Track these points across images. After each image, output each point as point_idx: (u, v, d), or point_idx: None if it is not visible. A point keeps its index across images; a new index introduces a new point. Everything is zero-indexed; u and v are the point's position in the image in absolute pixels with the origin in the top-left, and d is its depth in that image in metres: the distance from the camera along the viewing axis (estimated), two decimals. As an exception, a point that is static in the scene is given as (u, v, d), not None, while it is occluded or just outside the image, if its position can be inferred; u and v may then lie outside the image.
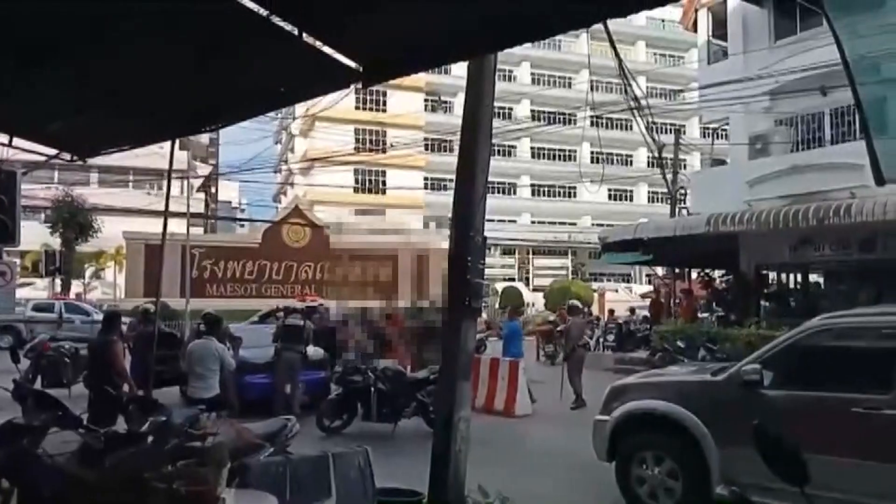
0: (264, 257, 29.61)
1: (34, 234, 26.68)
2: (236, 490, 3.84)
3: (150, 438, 3.80)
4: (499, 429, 9.60)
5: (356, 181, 49.03)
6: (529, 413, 10.98)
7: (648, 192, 53.68)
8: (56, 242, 30.38)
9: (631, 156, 53.50)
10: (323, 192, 42.06)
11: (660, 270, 24.28)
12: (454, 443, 5.48)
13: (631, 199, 55.18)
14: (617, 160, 51.97)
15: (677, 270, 21.05)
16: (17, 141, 8.28)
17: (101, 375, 7.03)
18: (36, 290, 30.57)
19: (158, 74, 5.80)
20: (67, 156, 9.03)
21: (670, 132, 23.75)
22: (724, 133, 21.39)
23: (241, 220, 45.93)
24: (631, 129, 44.66)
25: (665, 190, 23.94)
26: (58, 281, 29.96)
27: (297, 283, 29.46)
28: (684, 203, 22.72)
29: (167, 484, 2.82)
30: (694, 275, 20.11)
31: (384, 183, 49.78)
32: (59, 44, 5.05)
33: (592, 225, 48.73)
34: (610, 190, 52.41)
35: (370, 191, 49.84)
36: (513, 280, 44.84)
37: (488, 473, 5.70)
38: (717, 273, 18.20)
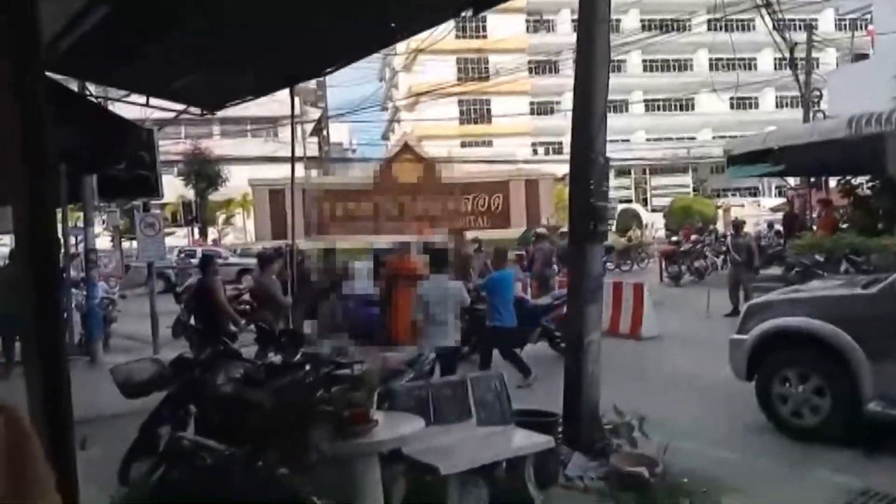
0: (379, 196, 30.38)
1: (170, 187, 28.76)
2: (385, 412, 4.11)
3: (304, 368, 4.11)
4: (627, 351, 9.53)
5: (461, 112, 48.69)
6: (656, 335, 10.80)
7: (776, 98, 49.57)
8: (190, 193, 32.68)
9: (755, 59, 49.31)
10: (429, 126, 42.17)
11: (792, 181, 22.59)
12: (586, 365, 5.51)
13: (756, 107, 51.20)
14: (739, 65, 48.12)
15: (813, 180, 19.50)
16: (152, 101, 8.89)
17: (204, 314, 7.52)
18: (177, 238, 33.25)
19: (274, 25, 5.98)
20: (196, 110, 9.62)
21: (800, 28, 21.58)
22: (864, 23, 19.16)
23: (354, 160, 47.21)
24: (754, 29, 41.11)
25: (796, 93, 21.99)
26: (195, 229, 32.37)
27: (412, 218, 30.12)
28: (818, 106, 20.80)
29: (328, 407, 3.06)
30: (832, 183, 18.57)
31: (489, 112, 49.12)
32: (181, 6, 5.29)
33: (713, 138, 45.84)
34: (732, 98, 48.81)
35: (476, 121, 49.40)
36: (629, 201, 43.45)
37: (621, 394, 5.72)
38: (859, 179, 16.68)
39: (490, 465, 4.39)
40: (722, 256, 17.63)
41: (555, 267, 13.40)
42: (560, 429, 5.26)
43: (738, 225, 14.19)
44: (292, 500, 2.76)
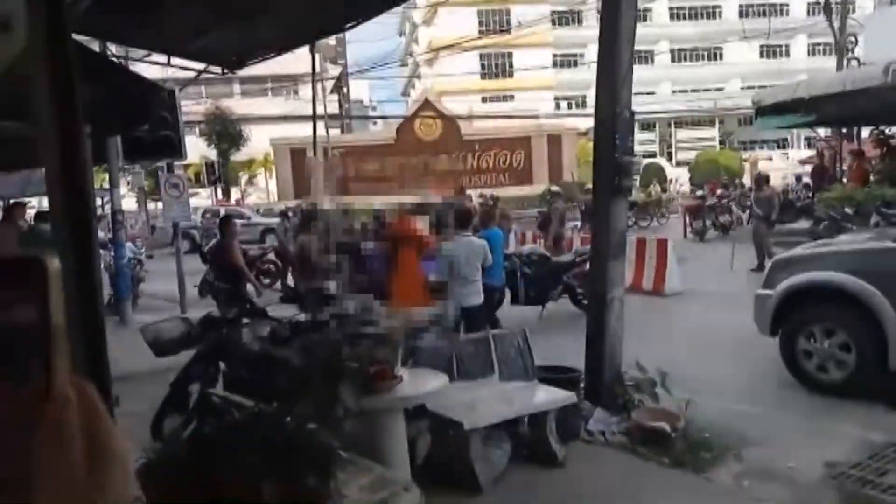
0: (400, 153, 30.24)
1: (193, 148, 28.89)
2: (410, 369, 4.17)
3: (330, 325, 4.18)
4: (650, 307, 9.52)
5: (482, 67, 47.87)
6: (680, 291, 10.74)
7: (808, 45, 47.91)
8: (212, 154, 32.82)
9: (786, 4, 47.57)
10: (450, 81, 41.60)
11: (822, 132, 21.99)
12: (609, 321, 5.52)
13: (787, 55, 49.57)
14: (769, 11, 46.42)
15: (844, 130, 18.96)
16: (173, 61, 8.84)
17: (222, 274, 7.66)
18: (201, 199, 33.54)
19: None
20: (217, 69, 9.57)
21: (836, -29, 20.68)
22: (904, -36, 18.30)
23: (374, 117, 46.88)
24: (786, -28, 39.55)
25: (829, 40, 21.21)
26: (219, 189, 32.60)
27: (433, 175, 29.98)
28: (853, 53, 20.06)
29: (354, 363, 3.12)
30: (865, 133, 18.03)
31: (511, 65, 48.22)
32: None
33: (742, 89, 44.59)
34: (762, 47, 47.25)
35: (497, 75, 48.57)
36: (654, 156, 42.73)
37: (643, 350, 5.73)
38: (893, 129, 16.17)
39: (513, 420, 4.47)
40: (748, 211, 17.34)
41: (571, 224, 13.37)
42: (582, 385, 5.31)
43: (760, 179, 13.92)
44: (320, 453, 2.83)
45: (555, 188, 17.68)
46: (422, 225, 7.67)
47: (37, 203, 16.18)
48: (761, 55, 48.01)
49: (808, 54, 47.78)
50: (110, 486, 0.39)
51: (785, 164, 32.63)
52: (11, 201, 12.08)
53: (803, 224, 15.51)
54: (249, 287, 7.63)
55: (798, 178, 22.61)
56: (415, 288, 6.53)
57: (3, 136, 9.05)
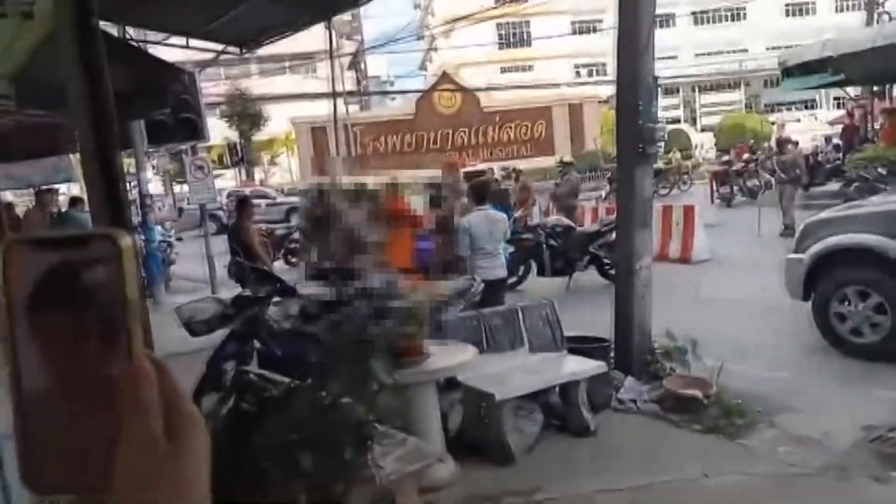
0: (420, 127, 30.11)
1: (215, 129, 29.05)
2: (440, 342, 4.21)
3: (358, 301, 4.21)
4: (677, 275, 9.44)
5: (499, 37, 47.22)
6: (707, 259, 10.63)
7: (835, 2, 46.41)
8: (234, 135, 32.98)
9: (811, -40, 46.10)
10: (467, 53, 41.12)
11: (852, 91, 21.39)
12: (636, 290, 5.49)
13: (813, 13, 48.10)
14: (794, -32, 45.09)
15: (875, 89, 18.41)
16: (191, 42, 8.87)
17: (239, 255, 7.63)
18: (225, 180, 33.80)
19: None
20: (235, 49, 9.57)
21: (865, -79, 19.90)
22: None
23: (392, 92, 46.62)
24: (812, -74, 38.19)
25: (858, -5, 20.51)
26: (242, 170, 32.82)
27: (453, 149, 29.84)
28: (883, 7, 19.39)
29: (383, 339, 3.15)
30: (896, 91, 17.52)
31: (528, 34, 47.49)
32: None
33: (767, 49, 43.43)
34: (787, 5, 45.94)
35: (515, 45, 47.89)
36: (678, 122, 42.00)
37: (673, 318, 5.70)
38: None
39: (543, 390, 4.49)
40: (774, 175, 17.02)
41: (595, 194, 13.23)
42: (612, 354, 5.31)
43: (782, 141, 13.65)
44: (356, 426, 2.88)
45: (567, 159, 17.51)
46: (414, 204, 7.48)
47: (66, 189, 16.46)
48: (786, 14, 46.68)
49: (836, 11, 46.30)
50: (189, 452, 0.41)
51: (814, 125, 31.86)
52: (41, 188, 12.30)
53: (833, 186, 15.20)
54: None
55: (827, 139, 22.09)
56: (407, 266, 6.42)
57: (31, 125, 9.21)
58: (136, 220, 11.78)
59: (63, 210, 11.84)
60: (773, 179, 17.28)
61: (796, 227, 11.13)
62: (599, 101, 32.09)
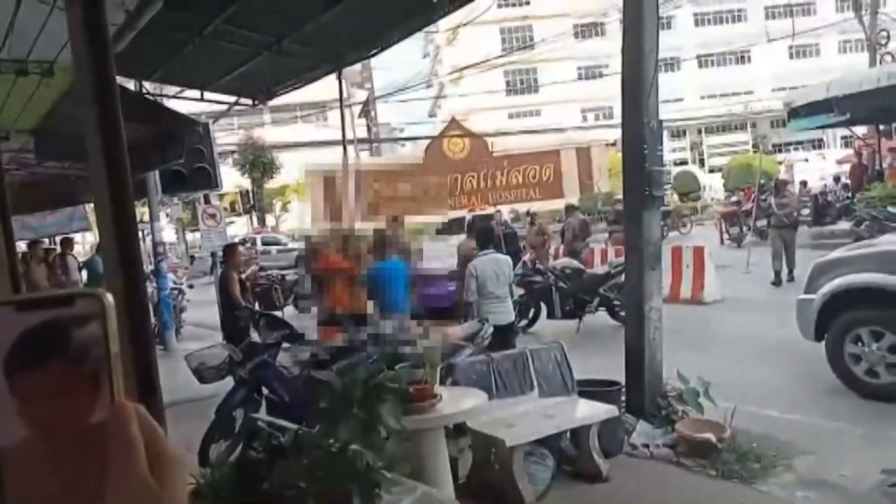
0: (429, 173, 30.41)
1: (227, 177, 29.52)
2: (449, 387, 4.19)
3: (368, 347, 4.22)
4: (689, 316, 9.37)
5: (507, 83, 48.06)
6: (719, 299, 10.57)
7: (839, 43, 47.01)
8: (246, 182, 33.47)
9: (813, 2, 46.86)
10: (475, 100, 41.82)
11: (859, 131, 21.51)
12: (647, 332, 5.46)
13: (817, 55, 48.72)
14: (796, 11, 45.76)
15: (882, 127, 18.51)
16: (206, 95, 9.12)
17: (223, 303, 7.24)
18: (237, 227, 34.18)
19: (318, 12, 6.05)
20: (248, 101, 9.82)
21: (863, -34, 20.31)
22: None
23: (402, 139, 47.31)
24: (812, -29, 38.99)
25: (861, 36, 20.81)
26: (254, 217, 33.21)
27: (462, 193, 30.05)
28: (886, 48, 19.63)
29: (394, 383, 3.15)
30: (903, 130, 17.58)
31: (535, 81, 48.30)
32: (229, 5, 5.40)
33: (773, 90, 43.88)
34: (791, 48, 46.50)
35: (522, 92, 48.70)
36: (685, 163, 42.23)
37: (684, 360, 5.65)
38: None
39: (555, 435, 4.44)
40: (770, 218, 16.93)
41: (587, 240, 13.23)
42: (623, 398, 5.26)
43: (780, 184, 13.07)
44: (364, 473, 2.86)
45: (573, 202, 17.62)
46: (340, 256, 7.34)
47: (81, 238, 16.70)
48: (791, 56, 47.27)
49: (840, 52, 46.88)
50: (174, 493, 0.43)
51: (822, 164, 31.93)
52: (60, 237, 12.52)
53: (843, 225, 15.16)
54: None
55: (836, 178, 22.11)
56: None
57: (46, 176, 9.41)
58: (149, 268, 11.94)
59: (89, 258, 12.04)
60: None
61: (790, 271, 10.93)
62: (607, 144, 32.39)
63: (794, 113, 16.21)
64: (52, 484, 0.42)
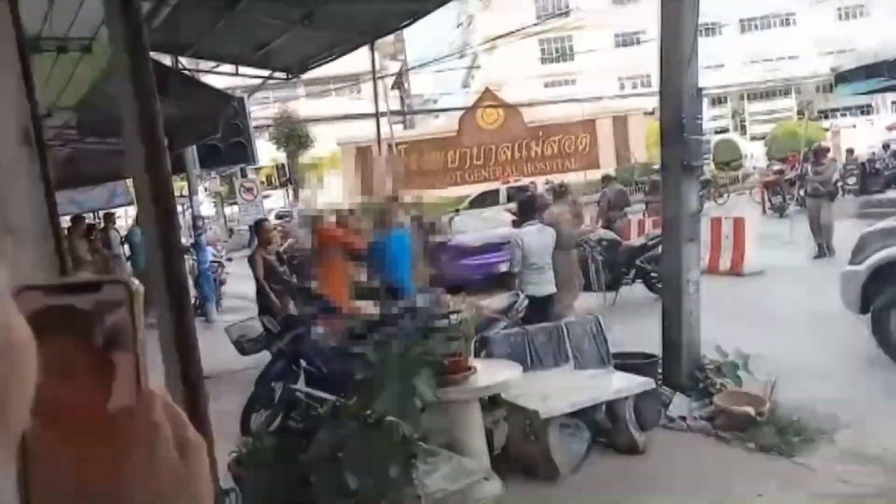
0: (463, 144, 30.25)
1: (263, 151, 29.80)
2: (484, 360, 4.21)
3: (403, 320, 4.26)
4: (728, 288, 9.21)
5: (542, 52, 47.24)
6: (759, 271, 10.34)
7: (889, 4, 44.88)
8: (282, 156, 33.76)
9: (861, -37, 44.78)
10: (510, 69, 41.26)
11: (911, 95, 20.62)
12: (685, 304, 5.39)
13: (866, 16, 46.62)
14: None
15: (935, 91, 17.70)
16: (241, 70, 9.19)
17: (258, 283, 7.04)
18: (274, 200, 34.57)
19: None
20: (282, 74, 9.86)
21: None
22: None
23: (435, 110, 47.03)
24: (863, -72, 37.16)
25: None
26: (290, 190, 33.56)
27: (497, 165, 29.88)
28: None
29: (429, 356, 3.18)
30: (959, 93, 16.79)
31: (571, 49, 47.36)
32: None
33: (819, 55, 42.25)
34: (839, 10, 44.69)
35: (557, 60, 47.83)
36: (725, 131, 41.13)
37: (723, 333, 5.57)
38: None
39: (590, 407, 4.44)
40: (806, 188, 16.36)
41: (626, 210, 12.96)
42: (660, 370, 5.22)
43: (818, 152, 12.49)
44: (401, 444, 2.91)
45: (609, 172, 17.31)
46: (344, 230, 7.36)
47: (123, 213, 17.12)
48: (839, 17, 45.39)
49: (890, 13, 44.78)
50: (200, 475, 0.44)
51: (870, 130, 30.80)
52: (102, 212, 12.83)
53: (892, 194, 14.65)
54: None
55: (885, 145, 21.32)
56: (340, 288, 6.40)
57: (89, 152, 9.63)
58: (188, 241, 12.20)
59: (129, 230, 12.37)
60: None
61: (832, 244, 10.57)
62: (645, 113, 31.71)
63: (842, 78, 15.58)
64: (78, 469, 0.42)
